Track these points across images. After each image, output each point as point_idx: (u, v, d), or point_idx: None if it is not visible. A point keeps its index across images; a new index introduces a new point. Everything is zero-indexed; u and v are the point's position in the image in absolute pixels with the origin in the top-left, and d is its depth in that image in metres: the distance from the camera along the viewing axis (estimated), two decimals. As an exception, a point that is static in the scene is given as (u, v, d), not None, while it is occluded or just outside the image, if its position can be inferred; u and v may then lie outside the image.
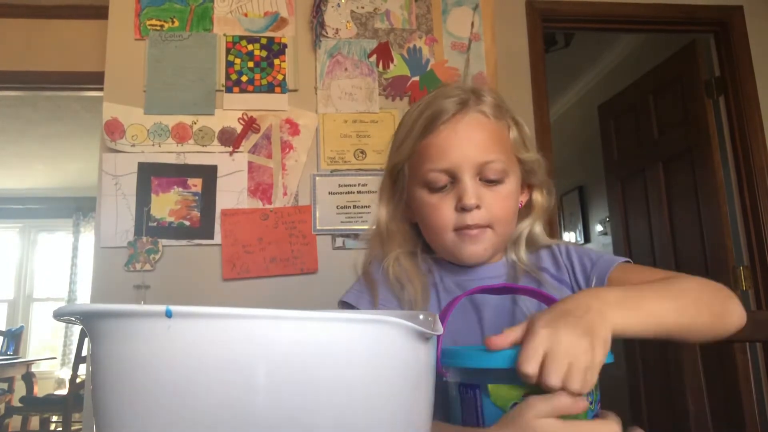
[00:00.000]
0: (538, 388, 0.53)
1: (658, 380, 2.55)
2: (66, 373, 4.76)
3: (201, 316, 0.37)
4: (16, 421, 4.33)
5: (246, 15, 2.03)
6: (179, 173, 1.90)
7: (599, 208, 3.57)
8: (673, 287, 0.68)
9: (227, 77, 1.97)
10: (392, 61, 2.05)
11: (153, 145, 1.90)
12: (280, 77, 2.00)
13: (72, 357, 4.15)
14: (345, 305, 0.83)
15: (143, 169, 1.89)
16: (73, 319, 0.41)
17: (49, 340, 5.84)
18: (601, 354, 0.53)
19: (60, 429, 4.29)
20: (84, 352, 3.52)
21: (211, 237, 1.87)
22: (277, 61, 2.01)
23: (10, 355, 4.67)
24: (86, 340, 3.27)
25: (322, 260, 1.89)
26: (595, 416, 0.56)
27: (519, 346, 0.54)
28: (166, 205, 1.87)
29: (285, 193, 1.93)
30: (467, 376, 0.58)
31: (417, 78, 2.04)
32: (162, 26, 1.99)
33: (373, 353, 0.40)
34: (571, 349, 0.51)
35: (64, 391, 4.29)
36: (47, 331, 5.85)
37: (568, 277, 0.82)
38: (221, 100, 1.96)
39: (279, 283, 1.86)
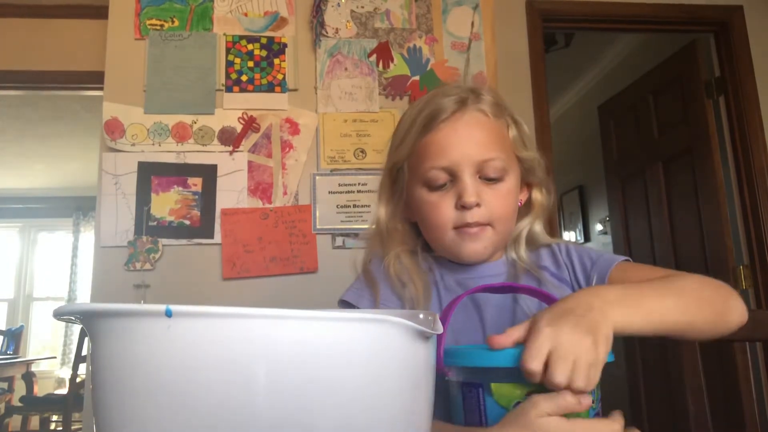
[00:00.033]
0: (541, 387, 0.53)
1: (658, 380, 2.55)
2: (66, 373, 4.77)
3: (201, 315, 0.37)
4: (16, 420, 4.33)
5: (246, 15, 2.03)
6: (179, 172, 1.90)
7: (599, 208, 3.57)
8: (673, 285, 0.68)
9: (227, 77, 1.97)
10: (392, 60, 2.05)
11: (153, 144, 1.90)
12: (280, 77, 2.00)
13: (72, 356, 4.16)
14: (345, 304, 0.83)
15: (143, 169, 1.89)
16: (73, 318, 0.41)
17: (49, 339, 5.84)
18: (603, 352, 0.53)
19: (60, 429, 4.29)
20: (84, 352, 3.52)
21: (211, 236, 1.87)
22: (277, 61, 2.01)
23: (10, 354, 4.68)
24: (86, 339, 3.27)
25: (322, 259, 1.89)
26: (596, 415, 0.57)
27: (522, 345, 0.55)
28: (166, 204, 1.87)
29: (285, 193, 1.93)
30: (470, 375, 0.58)
31: (417, 77, 2.04)
32: (162, 26, 1.99)
33: (373, 353, 0.40)
34: (575, 347, 0.52)
35: (64, 391, 4.29)
36: (47, 330, 5.85)
37: (568, 276, 0.82)
38: (221, 99, 1.96)
39: (279, 282, 1.86)
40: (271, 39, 2.02)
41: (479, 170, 0.76)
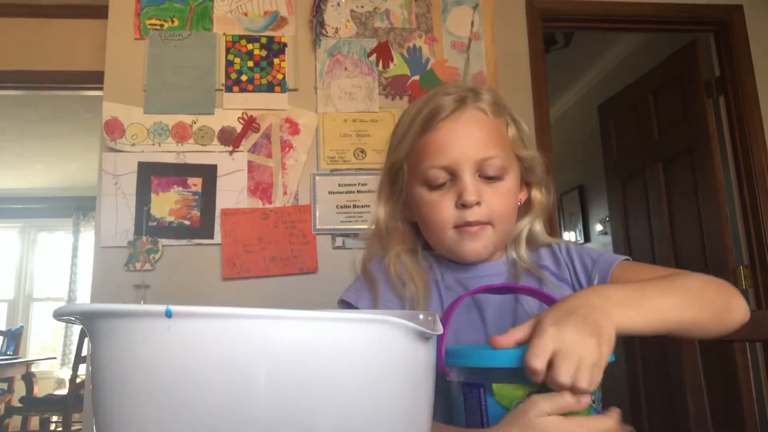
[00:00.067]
0: (543, 387, 0.53)
1: (658, 380, 2.55)
2: (66, 373, 4.76)
3: (201, 316, 0.37)
4: (16, 421, 4.33)
5: (246, 14, 2.03)
6: (179, 173, 1.90)
7: (599, 208, 3.57)
8: (675, 284, 0.68)
9: (227, 76, 1.97)
10: (392, 60, 2.05)
11: (153, 144, 1.90)
12: (279, 76, 2.00)
13: (72, 357, 4.15)
14: (345, 303, 0.83)
15: (143, 169, 1.89)
16: (73, 319, 0.41)
17: (49, 340, 5.84)
18: (607, 353, 0.53)
19: (60, 429, 4.29)
20: (84, 352, 3.52)
21: (211, 236, 1.87)
22: (276, 61, 2.01)
23: (10, 355, 4.68)
24: (86, 340, 3.27)
25: (322, 260, 1.89)
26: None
27: (523, 345, 0.55)
28: (166, 204, 1.87)
29: (285, 193, 1.93)
30: (471, 375, 0.58)
31: (417, 77, 2.04)
32: (162, 26, 1.99)
33: (372, 353, 0.40)
34: (580, 348, 0.52)
35: (64, 391, 4.29)
36: (47, 331, 5.85)
37: (568, 276, 0.82)
38: (221, 99, 1.96)
39: (279, 282, 1.86)
40: (271, 39, 2.02)
41: (479, 169, 0.76)
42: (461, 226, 0.77)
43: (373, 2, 2.08)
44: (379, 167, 0.88)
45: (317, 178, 1.95)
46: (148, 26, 1.98)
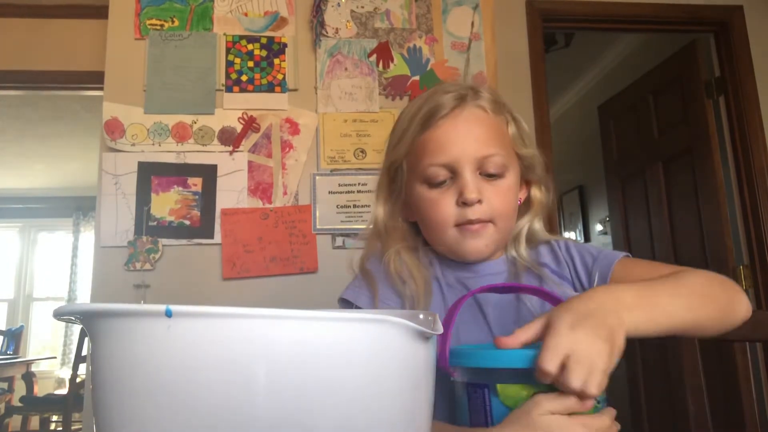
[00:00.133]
0: (548, 388, 0.53)
1: (658, 380, 2.55)
2: (66, 373, 4.77)
3: (201, 315, 0.37)
4: (16, 420, 4.33)
5: (246, 14, 2.03)
6: (179, 172, 1.90)
7: (599, 208, 3.57)
8: (682, 283, 0.67)
9: (227, 77, 1.97)
10: (392, 60, 2.05)
11: (153, 144, 1.90)
12: (280, 77, 2.00)
13: (72, 357, 4.16)
14: (345, 302, 0.83)
15: (143, 169, 1.89)
16: (73, 318, 0.41)
17: (49, 339, 5.84)
18: (616, 359, 0.54)
19: (60, 429, 4.29)
20: (84, 352, 3.52)
21: (211, 236, 1.87)
22: (277, 61, 2.01)
23: (10, 354, 4.68)
24: (86, 339, 3.27)
25: (322, 260, 1.89)
26: None
27: (530, 346, 0.55)
28: (166, 204, 1.87)
29: (285, 193, 1.93)
30: (476, 375, 0.58)
31: (417, 77, 2.04)
32: (162, 26, 1.99)
33: (373, 353, 0.40)
34: (593, 353, 0.52)
35: (64, 391, 4.29)
36: (47, 330, 5.85)
37: (568, 273, 0.82)
38: (221, 99, 1.96)
39: (279, 282, 1.86)
40: (271, 39, 2.02)
41: (480, 166, 0.76)
42: (462, 225, 0.76)
43: (374, 2, 2.08)
44: (380, 167, 0.88)
45: (317, 178, 1.95)
46: (149, 26, 1.98)
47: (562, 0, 2.31)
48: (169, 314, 0.36)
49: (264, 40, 2.02)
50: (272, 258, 1.87)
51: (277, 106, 1.97)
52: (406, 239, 0.85)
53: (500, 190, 0.77)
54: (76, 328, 5.13)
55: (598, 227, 3.60)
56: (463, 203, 0.75)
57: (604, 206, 3.39)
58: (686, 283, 0.68)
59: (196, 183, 1.90)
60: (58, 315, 0.40)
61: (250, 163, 1.93)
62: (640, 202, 2.79)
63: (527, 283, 0.78)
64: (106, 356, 0.39)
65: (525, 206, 0.86)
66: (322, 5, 2.04)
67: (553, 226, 1.98)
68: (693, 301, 0.65)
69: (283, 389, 0.37)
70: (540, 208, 0.86)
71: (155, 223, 1.86)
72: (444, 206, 0.77)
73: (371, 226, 0.87)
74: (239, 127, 1.94)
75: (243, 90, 1.97)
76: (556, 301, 0.66)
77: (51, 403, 4.08)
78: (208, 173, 1.91)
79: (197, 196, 1.89)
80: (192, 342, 0.36)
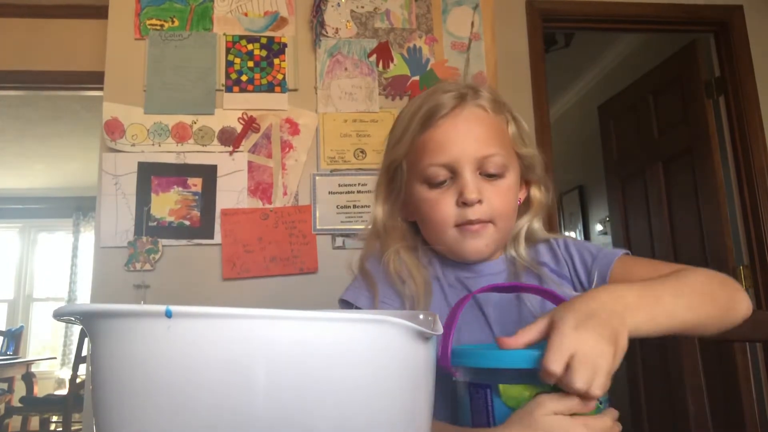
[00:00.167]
0: (551, 388, 0.53)
1: (658, 380, 2.55)
2: (66, 373, 4.76)
3: (201, 316, 0.37)
4: (16, 421, 4.33)
5: (246, 14, 2.03)
6: (179, 173, 1.90)
7: (599, 208, 3.57)
8: (684, 282, 0.67)
9: (227, 77, 1.97)
10: (392, 60, 2.05)
11: (153, 144, 1.90)
12: (279, 77, 2.00)
13: (72, 357, 4.16)
14: (345, 303, 0.82)
15: (143, 169, 1.89)
16: (73, 319, 0.41)
17: (49, 340, 5.84)
18: (619, 361, 0.54)
19: (60, 429, 4.29)
20: (84, 352, 3.52)
21: (211, 237, 1.87)
22: (276, 61, 2.01)
23: (10, 355, 4.68)
24: (86, 340, 3.27)
25: (322, 260, 1.89)
26: None
27: (533, 347, 0.55)
28: (166, 204, 1.87)
29: (285, 193, 1.93)
30: (478, 375, 0.58)
31: (417, 77, 2.04)
32: (162, 26, 1.99)
33: (372, 353, 0.40)
34: (598, 355, 0.52)
35: (64, 391, 4.29)
36: (47, 331, 5.85)
37: (568, 272, 0.82)
38: (221, 99, 1.96)
39: (279, 282, 1.86)
40: (271, 39, 2.02)
41: (480, 166, 0.76)
42: (462, 225, 0.76)
43: (374, 2, 2.08)
44: (379, 167, 0.88)
45: (317, 178, 1.95)
46: (149, 26, 1.98)
47: (562, 0, 2.31)
48: (169, 315, 0.36)
49: (264, 40, 2.02)
50: (272, 258, 1.87)
51: (277, 106, 1.97)
52: (406, 239, 0.84)
53: (500, 190, 0.77)
54: (76, 329, 5.13)
55: (598, 227, 3.60)
56: (463, 203, 0.75)
57: (604, 206, 3.39)
58: (687, 282, 0.67)
59: (196, 183, 1.90)
60: (58, 315, 0.40)
61: (250, 163, 1.93)
62: (640, 202, 2.79)
63: (527, 283, 0.78)
64: (106, 357, 0.39)
65: (525, 206, 0.85)
66: (322, 5, 2.04)
67: (553, 226, 1.98)
68: (694, 300, 0.65)
69: (282, 389, 0.37)
70: (540, 208, 0.85)
71: (155, 223, 1.86)
72: (444, 206, 0.77)
73: (370, 226, 0.87)
74: (239, 128, 1.94)
75: (243, 90, 1.97)
76: (558, 300, 0.66)
77: (51, 403, 4.08)
78: (208, 173, 1.91)
79: (197, 197, 1.89)
80: (192, 342, 0.36)
